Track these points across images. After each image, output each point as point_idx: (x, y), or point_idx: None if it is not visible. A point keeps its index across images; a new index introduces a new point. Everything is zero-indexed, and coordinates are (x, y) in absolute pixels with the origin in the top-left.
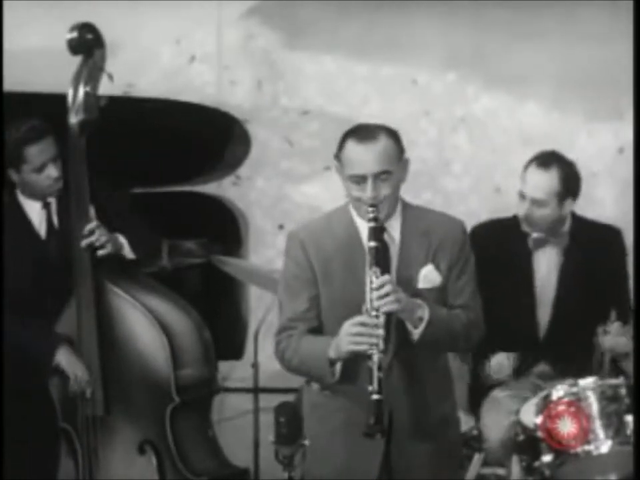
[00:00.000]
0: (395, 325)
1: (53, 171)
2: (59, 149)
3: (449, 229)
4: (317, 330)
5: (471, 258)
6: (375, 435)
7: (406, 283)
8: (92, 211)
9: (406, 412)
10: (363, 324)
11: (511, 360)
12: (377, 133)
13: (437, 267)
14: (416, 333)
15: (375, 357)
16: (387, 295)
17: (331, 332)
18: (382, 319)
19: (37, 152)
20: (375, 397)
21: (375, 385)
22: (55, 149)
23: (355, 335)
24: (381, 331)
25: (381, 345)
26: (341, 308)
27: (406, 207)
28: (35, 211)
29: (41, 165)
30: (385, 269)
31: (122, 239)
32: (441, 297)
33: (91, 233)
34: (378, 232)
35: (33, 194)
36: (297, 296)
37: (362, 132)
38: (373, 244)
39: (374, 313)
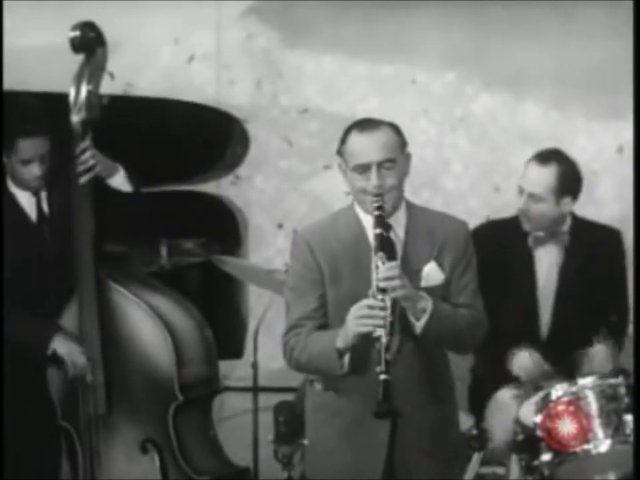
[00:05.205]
0: (398, 319)
1: (36, 170)
2: (48, 151)
3: (453, 228)
4: (324, 328)
5: (473, 259)
6: (384, 415)
7: (409, 281)
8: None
9: (410, 413)
10: (369, 306)
11: (534, 359)
12: (379, 124)
13: (441, 265)
14: (418, 326)
15: (383, 339)
16: (392, 278)
17: None
18: (388, 301)
19: (27, 146)
20: (383, 376)
21: (383, 366)
22: (45, 150)
23: (362, 317)
24: (387, 312)
25: (388, 326)
26: (348, 307)
27: (410, 206)
28: (24, 198)
29: (27, 160)
30: (391, 256)
31: (119, 168)
32: (443, 296)
33: (83, 152)
34: (383, 219)
35: (20, 183)
36: (304, 296)
37: (364, 124)
38: (378, 230)
39: (380, 296)
